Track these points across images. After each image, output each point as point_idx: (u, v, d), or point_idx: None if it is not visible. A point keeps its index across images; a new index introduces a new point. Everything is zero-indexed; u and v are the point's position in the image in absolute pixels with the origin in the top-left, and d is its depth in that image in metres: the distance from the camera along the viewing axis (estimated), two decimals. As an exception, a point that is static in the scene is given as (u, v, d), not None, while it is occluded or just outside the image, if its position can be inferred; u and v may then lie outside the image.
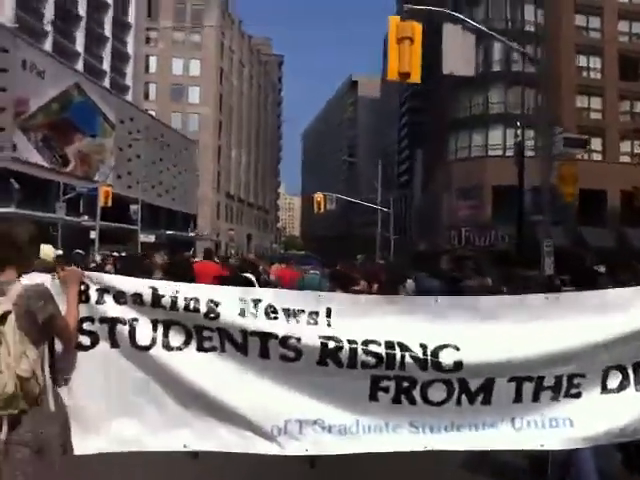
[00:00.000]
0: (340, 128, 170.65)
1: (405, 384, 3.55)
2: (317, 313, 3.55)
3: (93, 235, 41.10)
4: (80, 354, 3.37)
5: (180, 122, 75.11)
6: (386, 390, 3.55)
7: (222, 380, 3.48)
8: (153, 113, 67.39)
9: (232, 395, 3.49)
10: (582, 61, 41.19)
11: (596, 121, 40.52)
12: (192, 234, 68.93)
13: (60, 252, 7.75)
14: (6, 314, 2.86)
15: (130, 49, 67.01)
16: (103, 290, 3.43)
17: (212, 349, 3.48)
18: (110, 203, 37.63)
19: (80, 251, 18.70)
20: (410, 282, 11.96)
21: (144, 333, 3.43)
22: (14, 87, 38.37)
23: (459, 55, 11.81)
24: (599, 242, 36.88)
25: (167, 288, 3.49)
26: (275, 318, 3.50)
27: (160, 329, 3.45)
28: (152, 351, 3.44)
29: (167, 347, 3.45)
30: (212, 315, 3.44)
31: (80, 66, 52.82)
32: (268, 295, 3.63)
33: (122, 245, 43.16)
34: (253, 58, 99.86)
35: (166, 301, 3.44)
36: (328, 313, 3.56)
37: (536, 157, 36.55)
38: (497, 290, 15.00)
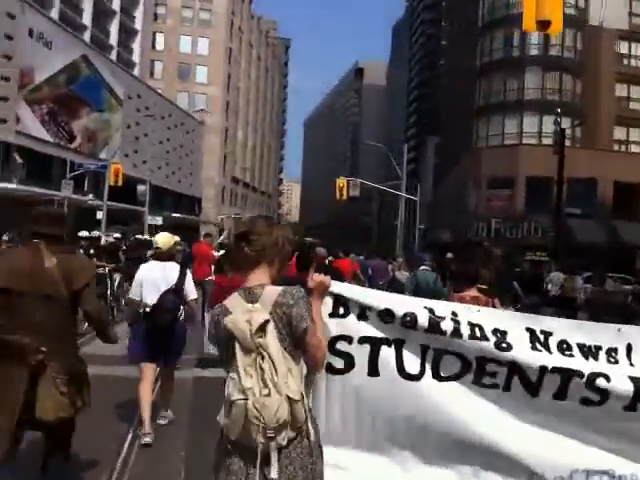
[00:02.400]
0: (344, 115, 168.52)
1: None
2: (616, 350, 3.11)
3: (99, 215, 39.00)
4: (330, 378, 2.93)
5: (186, 102, 72.63)
6: None
7: (501, 422, 3.02)
8: (159, 92, 65.02)
9: (511, 439, 3.02)
10: (623, 48, 39.03)
11: (636, 111, 38.45)
12: (198, 218, 67.01)
13: (177, 238, 6.86)
14: (264, 324, 2.45)
15: (138, 24, 64.52)
16: (366, 306, 2.97)
17: (493, 386, 3.00)
18: (120, 182, 35.45)
19: (140, 236, 16.76)
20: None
21: (413, 360, 2.98)
22: (20, 56, 36.02)
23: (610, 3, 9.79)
24: (633, 237, 35.17)
25: (444, 309, 3.03)
26: (571, 355, 3.04)
27: (431, 356, 2.98)
28: (420, 382, 2.98)
29: (437, 378, 3.00)
30: (503, 345, 2.95)
31: (87, 39, 50.42)
32: (560, 327, 3.12)
33: (128, 227, 41.32)
34: (261, 40, 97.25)
35: (447, 325, 2.97)
36: (628, 350, 3.12)
37: (573, 147, 34.63)
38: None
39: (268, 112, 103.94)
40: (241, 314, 2.48)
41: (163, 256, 6.14)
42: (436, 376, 2.97)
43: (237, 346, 2.47)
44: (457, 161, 47.45)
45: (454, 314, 2.95)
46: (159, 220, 49.68)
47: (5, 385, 3.88)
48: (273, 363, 2.42)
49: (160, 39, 74.20)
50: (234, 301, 2.58)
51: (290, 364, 2.47)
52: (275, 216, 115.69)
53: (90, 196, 42.13)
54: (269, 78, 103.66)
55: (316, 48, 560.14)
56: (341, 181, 35.03)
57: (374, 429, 3.00)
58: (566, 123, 33.80)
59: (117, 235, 17.18)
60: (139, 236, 15.03)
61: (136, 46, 64.47)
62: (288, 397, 2.41)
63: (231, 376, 2.48)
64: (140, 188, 45.43)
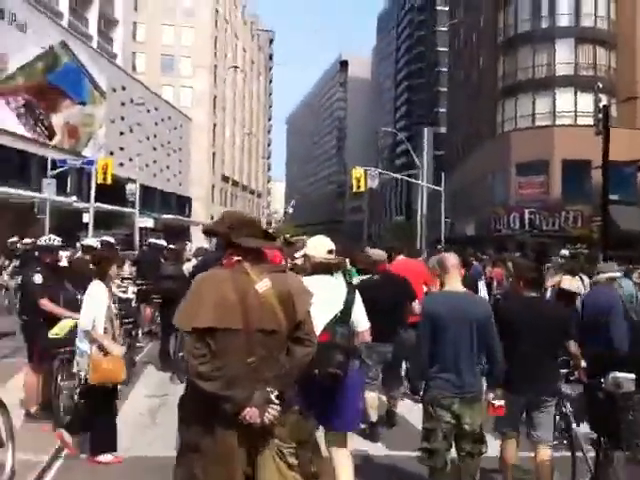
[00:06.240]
0: (329, 110, 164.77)
1: None
2: None
3: (86, 219, 34.90)
4: None
5: (171, 96, 68.44)
6: None
7: None
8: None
9: None
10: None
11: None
12: (189, 219, 63.10)
13: (332, 245, 4.59)
14: None
15: (118, 14, 60.16)
16: None
17: None
18: (109, 180, 31.43)
19: (109, 239, 12.81)
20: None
21: None
22: (-10, 40, 31.95)
23: None
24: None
25: None
26: None
27: None
28: None
29: None
30: None
31: (64, 27, 46.15)
32: None
33: (117, 230, 37.37)
34: (246, 30, 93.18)
35: None
36: None
37: (611, 127, 31.36)
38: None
39: (255, 107, 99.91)
40: None
41: (320, 269, 4.45)
42: None
43: None
44: (471, 149, 43.88)
45: None
46: (149, 222, 45.68)
47: (225, 460, 2.88)
48: None
49: (141, 29, 69.93)
50: None
51: None
52: (265, 215, 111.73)
53: (74, 197, 37.96)
54: (254, 71, 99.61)
55: (297, 41, 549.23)
56: (357, 172, 31.23)
57: None
58: (602, 100, 30.46)
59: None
60: (154, 240, 11.31)
61: (117, 36, 60.11)
62: None
63: None
64: (129, 187, 41.36)
